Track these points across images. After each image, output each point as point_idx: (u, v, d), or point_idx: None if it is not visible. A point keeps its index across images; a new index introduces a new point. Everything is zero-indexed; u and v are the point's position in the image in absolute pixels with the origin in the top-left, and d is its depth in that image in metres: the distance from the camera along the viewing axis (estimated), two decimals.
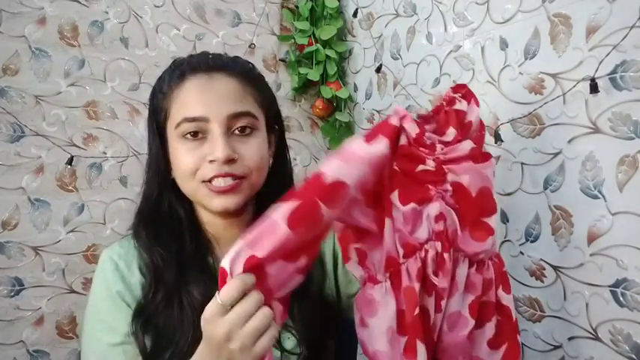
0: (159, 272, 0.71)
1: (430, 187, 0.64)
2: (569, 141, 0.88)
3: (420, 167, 0.64)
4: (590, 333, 0.85)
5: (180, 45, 1.43)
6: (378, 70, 1.42)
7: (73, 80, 1.29)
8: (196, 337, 0.65)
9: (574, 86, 0.87)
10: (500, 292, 0.69)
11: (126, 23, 1.36)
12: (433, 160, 0.64)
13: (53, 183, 1.26)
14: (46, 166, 1.25)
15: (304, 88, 1.61)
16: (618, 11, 0.80)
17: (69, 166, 1.27)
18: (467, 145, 0.66)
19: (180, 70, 0.72)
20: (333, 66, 1.55)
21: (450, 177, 0.65)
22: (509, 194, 1.01)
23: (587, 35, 0.85)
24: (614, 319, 0.81)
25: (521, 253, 0.98)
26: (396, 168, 0.63)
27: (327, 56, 1.53)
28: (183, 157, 0.69)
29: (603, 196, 0.83)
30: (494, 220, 0.68)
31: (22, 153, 1.23)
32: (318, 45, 1.52)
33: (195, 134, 0.69)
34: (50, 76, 1.27)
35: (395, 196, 0.63)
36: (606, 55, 0.80)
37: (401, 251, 0.63)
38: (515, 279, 0.99)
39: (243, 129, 0.70)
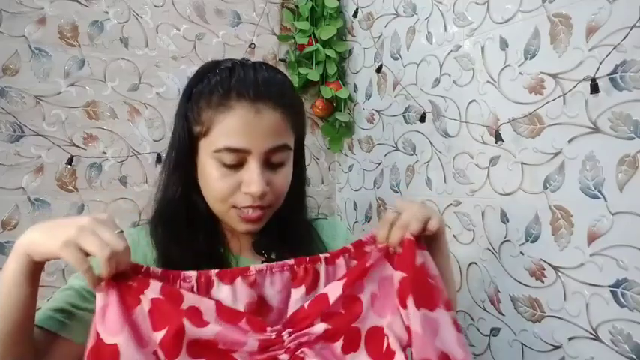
0: (174, 267, 0.71)
1: None
2: (569, 141, 0.88)
3: None
4: (590, 333, 0.85)
5: (180, 45, 1.43)
6: (379, 70, 1.42)
7: (73, 80, 1.29)
8: None
9: (574, 86, 0.87)
10: None
11: (126, 23, 1.36)
12: (284, 351, 0.59)
13: (53, 183, 1.26)
14: (46, 166, 1.25)
15: (304, 88, 1.61)
16: (618, 11, 0.80)
17: (69, 166, 1.27)
18: (319, 328, 0.60)
19: (227, 86, 0.70)
20: (333, 66, 1.55)
21: (308, 358, 0.60)
22: (509, 194, 1.01)
23: (587, 35, 0.85)
24: (614, 319, 0.81)
25: (521, 253, 0.98)
26: None
27: (327, 56, 1.53)
28: (217, 182, 0.70)
29: (603, 196, 0.83)
30: None
31: (22, 153, 1.22)
32: (318, 45, 1.52)
33: (232, 164, 0.70)
34: (50, 76, 1.26)
35: None
36: (606, 55, 0.80)
37: None
38: (515, 279, 0.99)
39: (277, 161, 0.72)
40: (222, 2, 1.50)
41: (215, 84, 0.71)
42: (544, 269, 0.93)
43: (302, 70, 1.53)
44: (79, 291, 0.67)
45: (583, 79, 0.85)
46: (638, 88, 0.78)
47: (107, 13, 1.34)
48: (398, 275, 0.63)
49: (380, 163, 1.44)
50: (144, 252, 0.73)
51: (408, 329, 0.61)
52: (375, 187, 1.46)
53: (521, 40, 0.98)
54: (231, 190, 0.70)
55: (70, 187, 1.28)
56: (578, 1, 0.87)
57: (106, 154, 1.32)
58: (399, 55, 1.35)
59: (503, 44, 1.02)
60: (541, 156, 0.94)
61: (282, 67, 1.60)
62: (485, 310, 1.07)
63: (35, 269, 0.56)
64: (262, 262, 0.79)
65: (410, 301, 0.61)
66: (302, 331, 0.60)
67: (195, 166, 0.75)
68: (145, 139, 1.37)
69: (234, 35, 1.52)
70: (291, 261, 0.63)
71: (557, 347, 0.91)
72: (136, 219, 1.33)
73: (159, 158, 1.36)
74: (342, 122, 1.57)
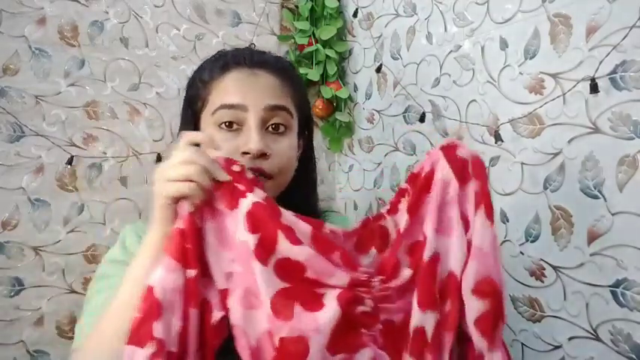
0: None
1: (363, 330, 0.57)
2: (569, 141, 0.88)
3: (360, 309, 0.56)
4: (590, 333, 0.85)
5: (180, 45, 1.43)
6: (378, 70, 1.42)
7: (73, 80, 1.29)
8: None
9: (574, 86, 0.87)
10: None
11: (126, 23, 1.36)
12: (371, 298, 0.57)
13: (53, 183, 1.26)
14: (46, 166, 1.25)
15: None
16: (618, 11, 0.80)
17: (69, 166, 1.27)
18: (405, 275, 0.58)
19: (224, 60, 0.72)
20: (333, 66, 1.55)
21: (383, 316, 0.58)
22: (509, 194, 1.01)
23: (587, 35, 0.85)
24: (614, 319, 0.81)
25: (521, 253, 0.98)
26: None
27: (327, 56, 1.54)
28: (217, 148, 0.68)
29: (603, 196, 0.83)
30: None
31: (22, 153, 1.22)
32: (318, 45, 1.52)
33: (230, 124, 0.68)
34: (50, 76, 1.26)
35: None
36: (606, 55, 0.80)
37: None
38: (515, 279, 0.99)
39: (277, 126, 0.70)
40: (222, 2, 1.50)
41: (213, 62, 0.73)
42: (544, 269, 0.93)
43: (302, 70, 1.53)
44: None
45: (583, 79, 0.85)
46: (638, 88, 0.78)
47: (107, 13, 1.34)
48: (474, 185, 0.60)
49: (380, 164, 1.44)
50: None
51: (468, 246, 0.59)
52: (375, 187, 1.46)
53: (521, 40, 0.98)
54: (230, 153, 0.65)
55: (70, 187, 1.28)
56: (578, 1, 0.87)
57: (106, 154, 1.32)
58: (399, 55, 1.35)
59: (503, 44, 1.02)
60: (541, 156, 0.94)
61: None
62: None
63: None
64: None
65: (480, 211, 0.59)
66: (391, 282, 0.58)
67: None
68: (145, 139, 1.37)
69: (234, 35, 1.52)
70: (358, 225, 0.61)
71: (557, 347, 0.91)
72: (136, 219, 1.33)
73: (159, 158, 1.36)
74: (342, 122, 1.57)
